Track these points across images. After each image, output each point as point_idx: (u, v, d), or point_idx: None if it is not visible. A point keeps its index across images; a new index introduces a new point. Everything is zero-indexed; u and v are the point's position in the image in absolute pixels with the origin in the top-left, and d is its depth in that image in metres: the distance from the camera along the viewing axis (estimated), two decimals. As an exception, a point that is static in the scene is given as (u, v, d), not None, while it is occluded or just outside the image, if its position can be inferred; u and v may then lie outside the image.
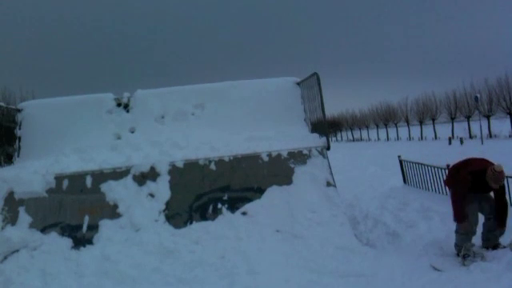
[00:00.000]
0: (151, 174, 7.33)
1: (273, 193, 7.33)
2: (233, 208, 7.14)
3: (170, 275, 5.83)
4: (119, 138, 8.44)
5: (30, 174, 7.20)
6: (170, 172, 7.37)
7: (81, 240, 6.69)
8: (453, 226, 5.96)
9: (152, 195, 7.16)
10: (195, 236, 6.65)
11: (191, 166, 7.46)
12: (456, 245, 5.82)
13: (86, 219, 6.90)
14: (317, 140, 8.11)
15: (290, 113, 8.95)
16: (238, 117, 8.75)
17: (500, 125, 42.05)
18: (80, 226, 6.84)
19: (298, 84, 9.31)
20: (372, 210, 8.83)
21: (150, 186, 7.24)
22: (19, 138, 8.56)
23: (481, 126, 37.35)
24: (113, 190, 7.15)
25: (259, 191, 7.34)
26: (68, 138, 8.26)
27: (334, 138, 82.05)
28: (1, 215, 6.83)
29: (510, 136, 39.96)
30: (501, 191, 5.67)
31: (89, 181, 7.23)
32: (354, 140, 74.91)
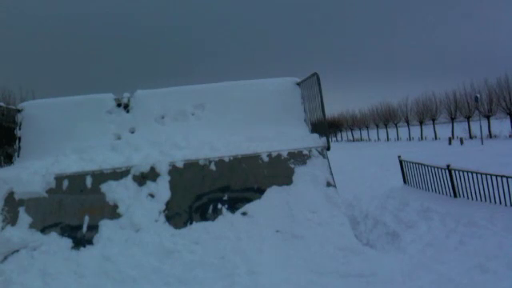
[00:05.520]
0: (151, 175, 7.34)
1: (273, 193, 7.33)
2: (233, 208, 7.15)
3: (170, 275, 5.83)
4: (119, 138, 8.44)
5: (30, 174, 7.20)
6: (169, 172, 7.37)
7: (81, 240, 6.69)
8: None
9: (152, 195, 7.16)
10: (195, 236, 6.65)
11: (191, 166, 7.46)
12: None
13: (86, 219, 6.91)
14: (317, 140, 8.10)
15: (290, 113, 8.94)
16: (238, 117, 8.75)
17: (500, 125, 42.05)
18: (80, 226, 6.85)
19: (298, 84, 9.31)
20: (372, 210, 8.83)
21: (150, 186, 7.24)
22: (19, 138, 8.56)
23: (481, 126, 37.32)
24: (113, 191, 7.15)
25: (259, 191, 7.34)
26: (68, 138, 8.26)
27: (334, 139, 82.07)
28: (1, 215, 6.84)
29: (510, 136, 39.95)
30: None
31: (89, 181, 7.23)
32: (354, 140, 74.89)
